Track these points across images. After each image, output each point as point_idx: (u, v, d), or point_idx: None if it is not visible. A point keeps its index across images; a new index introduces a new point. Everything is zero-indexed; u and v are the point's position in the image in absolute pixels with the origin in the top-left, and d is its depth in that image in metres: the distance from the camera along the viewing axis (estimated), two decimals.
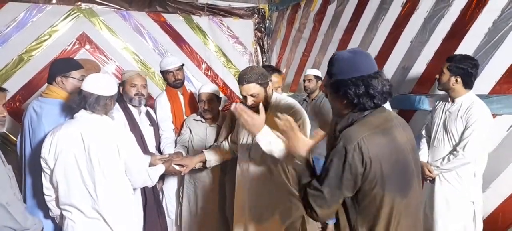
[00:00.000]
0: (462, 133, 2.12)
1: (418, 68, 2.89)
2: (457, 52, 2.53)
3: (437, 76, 2.26)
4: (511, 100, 2.25)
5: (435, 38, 2.75)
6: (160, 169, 2.14)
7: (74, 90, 1.99)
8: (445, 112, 2.25)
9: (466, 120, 2.10)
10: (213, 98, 2.56)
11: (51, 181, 1.75)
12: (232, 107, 1.70)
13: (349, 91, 1.18)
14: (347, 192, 1.18)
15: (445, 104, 2.30)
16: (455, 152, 2.12)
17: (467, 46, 2.49)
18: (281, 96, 2.09)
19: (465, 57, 2.16)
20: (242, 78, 1.89)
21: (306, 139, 1.44)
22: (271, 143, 1.67)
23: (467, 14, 2.50)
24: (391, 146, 1.17)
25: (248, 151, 2.05)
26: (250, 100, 1.90)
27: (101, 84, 1.75)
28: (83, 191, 1.71)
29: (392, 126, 1.22)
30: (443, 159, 2.18)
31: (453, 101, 2.22)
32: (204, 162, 2.30)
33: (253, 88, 1.88)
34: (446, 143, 2.21)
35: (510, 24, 2.25)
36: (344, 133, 1.18)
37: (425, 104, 2.80)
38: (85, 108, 1.74)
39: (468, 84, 2.16)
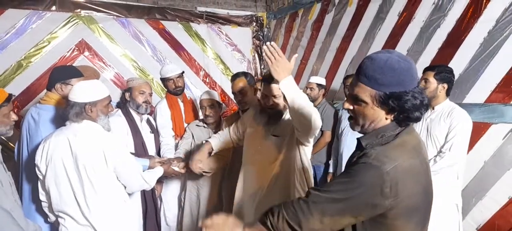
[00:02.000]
0: (446, 136, 2.17)
1: None
2: (453, 61, 2.57)
3: (422, 87, 2.30)
4: (506, 110, 2.28)
5: (431, 47, 2.78)
6: (158, 171, 2.13)
7: None
8: (426, 120, 2.29)
9: (450, 123, 2.16)
10: (214, 104, 2.62)
11: (43, 188, 1.76)
12: (265, 47, 1.57)
13: (407, 104, 0.99)
14: (349, 215, 0.99)
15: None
16: (441, 153, 2.16)
17: (462, 56, 2.53)
18: None
19: (444, 66, 2.28)
20: (271, 78, 1.82)
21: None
22: (295, 90, 1.57)
23: (462, 24, 2.54)
24: (423, 174, 1.02)
25: (255, 153, 2.02)
26: (271, 101, 1.91)
27: (78, 90, 1.75)
28: (73, 198, 1.71)
29: (423, 147, 1.06)
30: (429, 161, 2.21)
31: (433, 109, 2.28)
32: (210, 167, 2.28)
33: (279, 90, 1.84)
34: (430, 147, 2.25)
35: (505, 34, 2.29)
36: (378, 151, 0.99)
37: None
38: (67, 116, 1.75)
39: (449, 91, 2.26)
